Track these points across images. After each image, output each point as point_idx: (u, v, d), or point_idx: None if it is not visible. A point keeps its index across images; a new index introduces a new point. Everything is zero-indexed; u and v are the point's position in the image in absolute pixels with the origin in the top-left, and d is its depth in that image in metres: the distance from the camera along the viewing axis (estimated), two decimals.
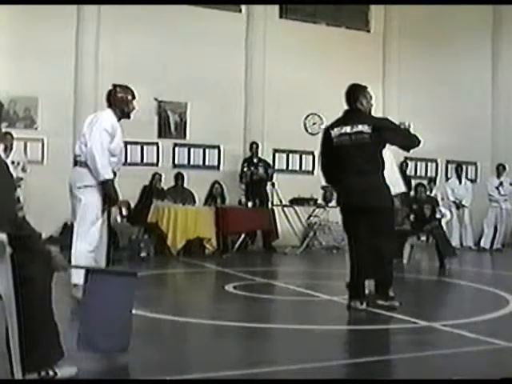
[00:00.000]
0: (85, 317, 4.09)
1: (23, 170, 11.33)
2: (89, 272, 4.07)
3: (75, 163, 6.45)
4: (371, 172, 6.18)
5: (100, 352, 4.13)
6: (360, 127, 6.14)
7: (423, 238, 10.98)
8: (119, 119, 6.45)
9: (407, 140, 6.38)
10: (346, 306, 6.29)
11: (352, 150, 6.13)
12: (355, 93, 6.43)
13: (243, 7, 14.21)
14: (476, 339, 4.99)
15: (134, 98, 6.58)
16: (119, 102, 6.43)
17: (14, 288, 3.15)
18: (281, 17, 14.62)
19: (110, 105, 6.47)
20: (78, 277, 5.57)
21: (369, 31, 15.55)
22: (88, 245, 6.15)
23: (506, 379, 3.70)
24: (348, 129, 6.18)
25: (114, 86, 6.53)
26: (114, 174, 6.32)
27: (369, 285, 6.39)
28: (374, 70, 15.06)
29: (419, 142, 6.36)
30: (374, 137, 6.11)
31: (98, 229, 6.23)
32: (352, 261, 6.31)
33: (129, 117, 6.55)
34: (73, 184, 6.29)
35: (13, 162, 10.78)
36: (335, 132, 6.25)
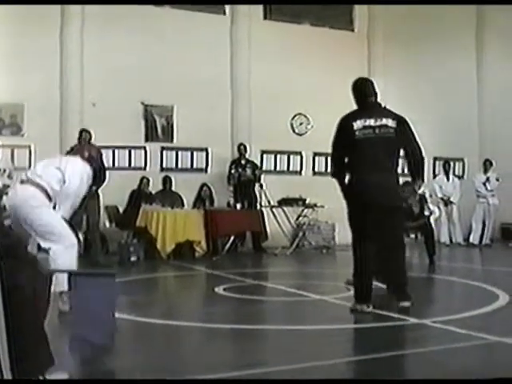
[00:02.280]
0: (72, 319, 4.14)
1: (9, 177, 11.26)
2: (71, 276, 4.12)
3: (26, 181, 6.01)
4: (391, 169, 6.01)
5: (85, 354, 4.15)
6: (384, 121, 5.92)
7: (412, 236, 11.00)
8: None
9: (418, 152, 6.19)
10: (349, 309, 6.12)
11: (375, 144, 5.88)
12: (372, 85, 6.16)
13: (227, 9, 14.20)
14: (466, 335, 5.01)
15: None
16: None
17: (2, 296, 3.13)
18: (265, 18, 14.62)
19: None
20: (60, 285, 5.45)
21: (353, 31, 15.58)
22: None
23: (501, 379, 3.71)
24: (372, 121, 5.89)
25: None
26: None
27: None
28: (359, 70, 15.01)
29: (423, 159, 6.30)
30: (398, 132, 5.93)
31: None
32: (358, 260, 6.11)
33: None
34: (20, 201, 5.86)
35: None
36: (358, 124, 5.89)
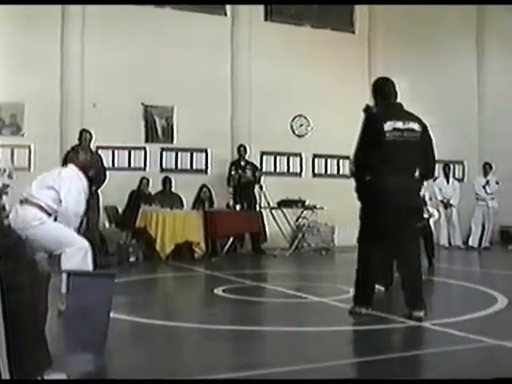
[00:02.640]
0: (65, 318, 4.16)
1: (9, 176, 11.25)
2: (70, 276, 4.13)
3: (25, 201, 5.99)
4: (413, 172, 5.91)
5: (78, 354, 4.15)
6: (411, 124, 5.84)
7: None
8: None
9: (433, 164, 6.20)
10: (348, 311, 6.12)
11: (402, 147, 5.76)
12: (393, 85, 6.07)
13: (228, 10, 14.21)
14: (465, 337, 5.01)
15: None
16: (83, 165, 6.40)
17: (1, 295, 3.14)
18: (266, 19, 14.63)
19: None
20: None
21: (354, 32, 15.58)
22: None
23: (499, 379, 3.71)
24: (400, 124, 5.79)
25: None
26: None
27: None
28: (359, 71, 15.09)
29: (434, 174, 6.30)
30: (423, 137, 5.88)
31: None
32: (366, 261, 5.96)
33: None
34: (23, 223, 5.77)
35: None
36: (388, 126, 5.75)
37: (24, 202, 5.99)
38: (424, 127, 5.92)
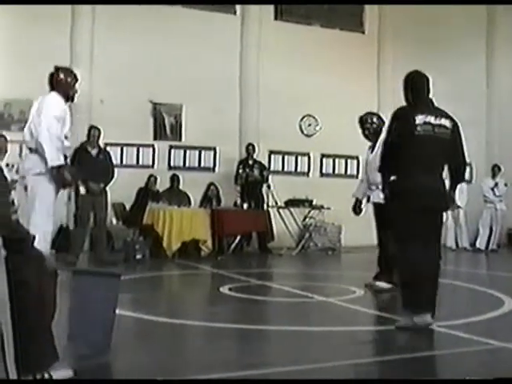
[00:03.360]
0: (71, 317, 4.16)
1: (18, 172, 11.30)
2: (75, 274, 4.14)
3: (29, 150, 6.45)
4: (441, 170, 5.63)
5: (82, 352, 4.16)
6: (443, 121, 5.55)
7: None
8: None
9: (464, 165, 5.87)
10: (396, 325, 5.41)
11: (432, 143, 5.46)
12: (428, 81, 5.86)
13: (238, 9, 14.22)
14: (471, 340, 5.00)
15: (76, 80, 6.58)
16: (63, 85, 6.50)
17: (9, 291, 3.15)
18: (275, 18, 14.63)
19: (53, 88, 6.52)
20: None
21: (363, 33, 15.57)
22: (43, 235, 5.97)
23: (501, 379, 3.70)
24: (432, 119, 5.49)
25: (57, 68, 6.55)
26: (65, 157, 6.39)
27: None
28: (368, 72, 15.09)
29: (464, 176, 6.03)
30: (453, 135, 5.61)
31: (51, 221, 6.25)
32: (412, 261, 5.45)
33: (72, 100, 6.64)
34: (26, 170, 6.35)
35: (7, 165, 10.75)
36: (420, 119, 5.45)
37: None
38: (456, 125, 5.68)
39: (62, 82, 6.51)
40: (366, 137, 8.11)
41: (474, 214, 14.73)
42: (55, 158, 6.15)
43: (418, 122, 5.43)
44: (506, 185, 14.54)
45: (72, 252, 9.84)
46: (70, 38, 12.56)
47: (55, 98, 6.40)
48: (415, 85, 5.80)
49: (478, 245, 14.52)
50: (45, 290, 3.42)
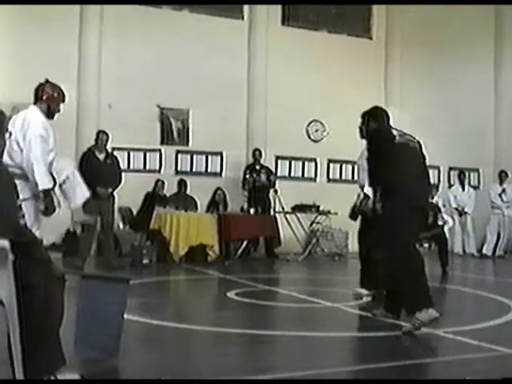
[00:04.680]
0: (79, 321, 4.17)
1: None
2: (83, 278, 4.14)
3: None
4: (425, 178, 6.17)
5: (91, 357, 4.16)
6: (409, 136, 6.06)
7: (426, 245, 10.94)
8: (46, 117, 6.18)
9: (429, 180, 6.40)
10: (415, 325, 5.43)
11: (410, 152, 5.96)
12: (388, 116, 6.28)
13: (245, 14, 14.23)
14: (478, 346, 4.99)
15: (63, 99, 6.32)
16: (48, 99, 6.23)
17: (16, 295, 3.16)
18: (283, 24, 14.64)
19: (37, 100, 6.25)
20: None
21: (371, 38, 15.56)
22: None
23: (507, 379, 3.69)
24: (401, 133, 6.04)
25: (47, 80, 6.39)
26: (54, 178, 6.01)
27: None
28: (376, 77, 15.08)
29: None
30: (419, 148, 6.06)
31: None
32: (416, 259, 5.69)
33: (53, 117, 6.30)
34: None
35: None
36: (396, 132, 6.01)
37: None
38: (419, 143, 6.06)
39: (48, 96, 6.23)
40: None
41: (481, 220, 14.70)
42: (46, 181, 5.79)
43: (395, 133, 5.94)
44: None
45: (79, 256, 9.86)
46: (78, 43, 12.59)
47: (38, 116, 6.12)
48: (376, 117, 6.22)
49: (484, 251, 14.48)
50: (52, 295, 3.42)
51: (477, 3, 14.93)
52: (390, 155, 5.81)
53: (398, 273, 5.73)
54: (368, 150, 6.11)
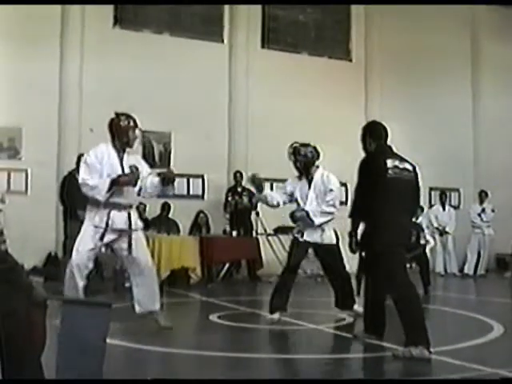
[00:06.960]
0: (61, 347, 4.13)
1: (2, 201, 11.25)
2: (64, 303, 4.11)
3: None
4: (411, 213, 6.29)
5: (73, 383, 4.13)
6: (406, 165, 5.90)
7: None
8: (122, 149, 6.66)
9: (419, 203, 6.57)
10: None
11: (402, 185, 5.79)
12: (385, 129, 6.18)
13: (225, 37, 14.33)
14: (461, 366, 5.00)
15: (136, 126, 6.61)
16: (118, 131, 6.54)
17: None
18: (263, 47, 14.75)
19: (113, 135, 6.67)
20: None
21: (351, 60, 15.71)
22: None
23: (505, 379, 3.70)
24: (397, 162, 5.82)
25: (117, 114, 6.56)
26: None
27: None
28: (356, 99, 15.20)
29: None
30: (415, 177, 5.98)
31: None
32: (407, 285, 5.74)
33: (131, 146, 6.81)
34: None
35: None
36: (389, 163, 5.76)
37: None
38: (414, 168, 6.03)
39: (118, 129, 6.72)
40: (297, 168, 8.19)
41: (462, 239, 14.78)
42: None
43: (389, 165, 5.74)
44: (493, 210, 14.62)
45: (61, 280, 9.77)
46: (59, 66, 12.61)
47: (98, 146, 6.74)
48: (374, 133, 6.11)
49: (466, 270, 14.56)
50: (34, 320, 3.39)
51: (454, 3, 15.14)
52: (380, 193, 5.68)
53: (410, 306, 5.71)
54: (358, 182, 5.88)
